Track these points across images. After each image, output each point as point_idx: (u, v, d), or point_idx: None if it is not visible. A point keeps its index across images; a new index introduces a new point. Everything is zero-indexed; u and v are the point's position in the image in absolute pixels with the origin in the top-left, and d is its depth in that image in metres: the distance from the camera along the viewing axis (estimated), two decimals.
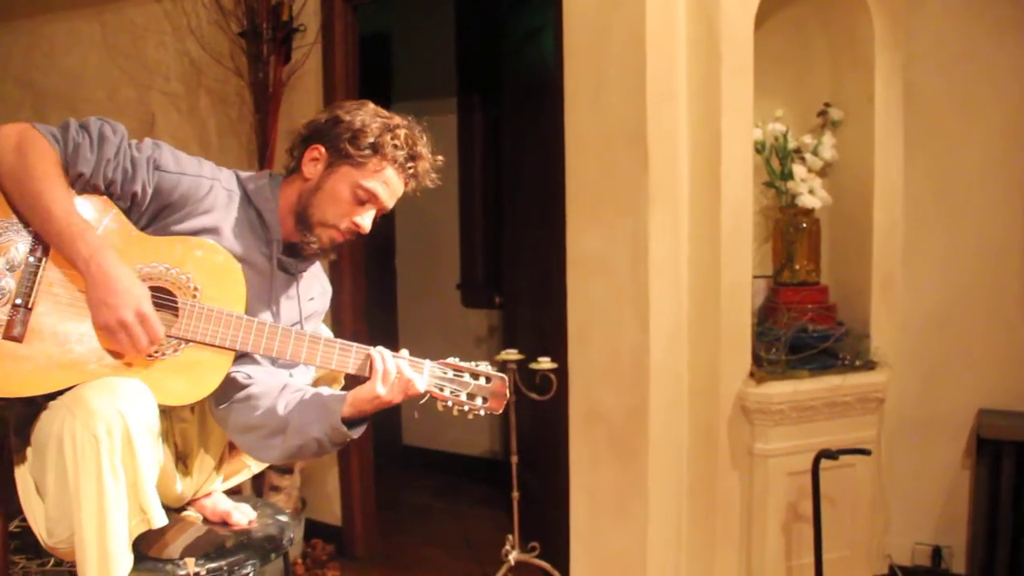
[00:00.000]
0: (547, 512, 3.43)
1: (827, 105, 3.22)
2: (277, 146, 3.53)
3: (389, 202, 1.99)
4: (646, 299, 2.96)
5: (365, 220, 1.96)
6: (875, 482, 3.19)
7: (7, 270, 1.74)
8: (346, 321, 3.72)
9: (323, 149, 1.97)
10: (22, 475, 1.83)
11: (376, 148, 1.94)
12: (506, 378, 1.94)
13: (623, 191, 2.97)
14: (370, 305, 3.89)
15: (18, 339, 1.72)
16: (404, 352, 1.89)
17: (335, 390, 2.07)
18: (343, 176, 1.95)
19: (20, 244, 1.76)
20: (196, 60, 3.89)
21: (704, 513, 3.08)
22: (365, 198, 1.95)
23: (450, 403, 1.90)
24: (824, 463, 2.89)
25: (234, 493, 2.29)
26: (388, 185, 1.96)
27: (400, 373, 1.84)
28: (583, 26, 3.04)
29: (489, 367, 1.94)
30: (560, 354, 3.15)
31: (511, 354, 3.14)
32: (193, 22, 3.83)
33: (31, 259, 1.76)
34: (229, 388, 1.91)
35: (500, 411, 1.93)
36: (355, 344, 1.89)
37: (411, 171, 1.99)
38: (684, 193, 3.00)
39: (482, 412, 1.91)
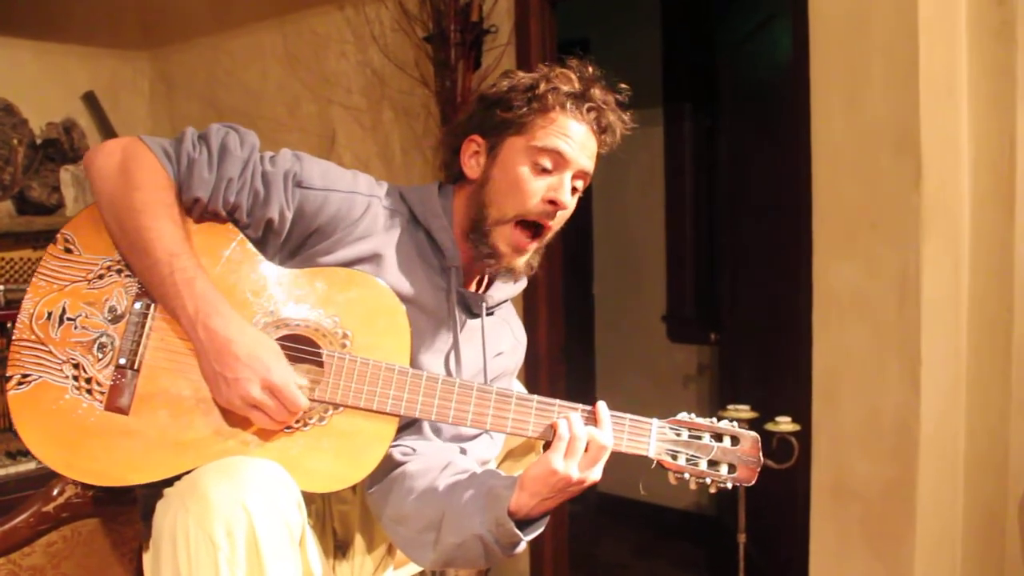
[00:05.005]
0: None
1: None
2: None
3: (582, 159, 1.52)
4: (917, 348, 2.35)
5: (561, 193, 1.50)
6: None
7: (109, 321, 1.38)
8: (542, 357, 3.27)
9: (479, 138, 1.55)
10: (147, 567, 1.47)
11: (535, 98, 1.50)
12: (758, 438, 1.46)
13: (888, 213, 2.39)
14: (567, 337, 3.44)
15: (123, 411, 1.35)
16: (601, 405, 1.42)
17: (515, 472, 1.62)
18: (510, 150, 1.52)
19: (125, 288, 1.40)
20: (379, 70, 3.58)
21: None
22: (549, 163, 1.50)
23: (687, 475, 1.44)
24: None
25: None
26: (571, 136, 1.50)
27: (593, 441, 1.37)
28: (834, 10, 2.47)
29: (735, 424, 1.47)
30: (801, 412, 2.58)
31: (741, 411, 2.58)
32: (376, 29, 3.53)
33: (137, 306, 1.39)
34: (380, 465, 1.48)
35: (753, 482, 1.44)
36: (558, 401, 1.44)
37: (592, 112, 1.52)
38: (965, 215, 2.39)
39: (729, 485, 1.44)
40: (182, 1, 4.20)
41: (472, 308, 1.61)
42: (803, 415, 2.58)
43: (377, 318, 1.45)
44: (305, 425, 1.40)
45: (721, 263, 3.84)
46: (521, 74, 1.56)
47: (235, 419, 1.38)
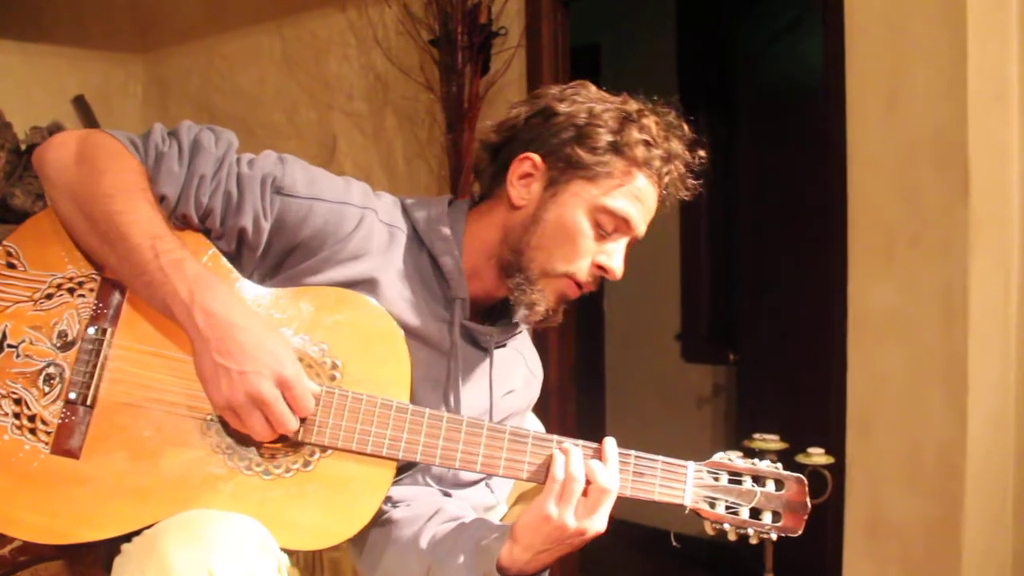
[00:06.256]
0: None
1: None
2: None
3: (643, 226, 1.34)
4: (963, 374, 2.17)
5: (615, 260, 1.32)
6: None
7: (59, 348, 1.20)
8: (551, 379, 3.06)
9: (538, 159, 1.33)
10: None
11: (618, 148, 1.30)
12: (804, 480, 1.28)
13: (931, 228, 2.22)
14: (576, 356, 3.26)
15: (73, 454, 1.16)
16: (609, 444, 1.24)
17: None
18: (574, 196, 1.31)
19: (77, 310, 1.22)
20: (382, 75, 3.43)
21: None
22: (611, 226, 1.31)
23: (726, 525, 1.25)
24: None
25: None
26: (642, 202, 1.32)
27: (593, 481, 1.18)
28: (872, 10, 2.31)
29: (779, 466, 1.29)
30: (833, 442, 2.40)
31: (769, 441, 2.39)
32: (380, 32, 3.38)
33: (91, 331, 1.20)
34: None
35: (800, 532, 1.26)
36: (580, 442, 1.25)
37: (667, 178, 1.34)
38: (1015, 229, 2.21)
39: (773, 536, 1.25)
40: (177, 2, 4.06)
41: (480, 342, 1.42)
42: (836, 446, 2.39)
43: (372, 346, 1.25)
44: (287, 472, 1.21)
45: (739, 278, 3.66)
46: (607, 100, 1.35)
47: (206, 462, 1.19)
